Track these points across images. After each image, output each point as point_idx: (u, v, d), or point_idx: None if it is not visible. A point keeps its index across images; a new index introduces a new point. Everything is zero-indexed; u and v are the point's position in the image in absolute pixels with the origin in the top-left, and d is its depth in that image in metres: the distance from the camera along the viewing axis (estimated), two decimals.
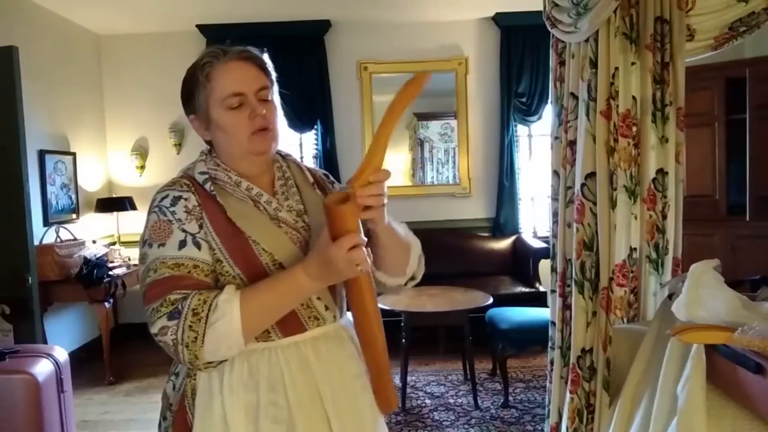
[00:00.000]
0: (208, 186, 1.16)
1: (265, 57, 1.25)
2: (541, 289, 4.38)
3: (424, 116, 5.21)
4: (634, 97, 2.02)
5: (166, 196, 1.15)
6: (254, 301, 1.07)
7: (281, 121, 1.31)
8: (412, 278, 1.35)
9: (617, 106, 2.02)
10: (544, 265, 3.84)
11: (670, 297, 1.59)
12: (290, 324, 1.16)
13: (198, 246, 1.11)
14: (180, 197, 1.14)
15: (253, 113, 1.15)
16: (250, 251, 1.13)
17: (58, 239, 4.18)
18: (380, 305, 1.45)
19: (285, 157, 1.31)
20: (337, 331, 1.22)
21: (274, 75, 1.24)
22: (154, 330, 1.05)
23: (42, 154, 4.10)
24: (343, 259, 1.02)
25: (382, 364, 1.20)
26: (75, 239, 4.26)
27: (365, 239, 1.05)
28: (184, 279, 1.08)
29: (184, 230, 1.11)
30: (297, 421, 1.12)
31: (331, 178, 1.39)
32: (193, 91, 1.19)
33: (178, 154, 5.05)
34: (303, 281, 1.08)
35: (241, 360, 1.13)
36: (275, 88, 1.25)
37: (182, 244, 1.10)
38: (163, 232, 1.11)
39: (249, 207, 1.17)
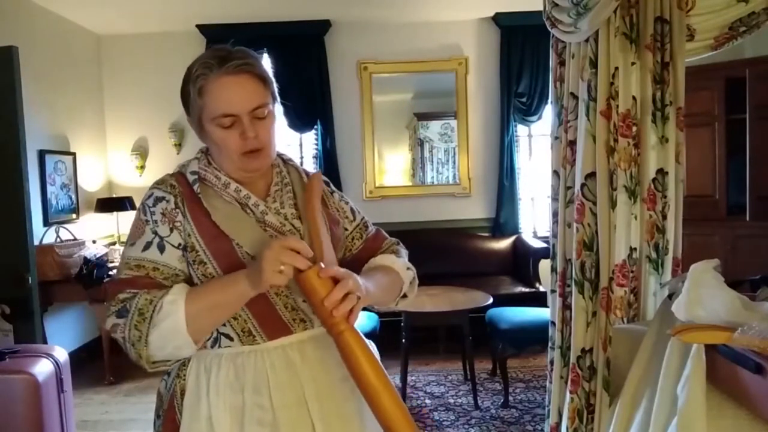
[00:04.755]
0: (196, 187, 1.16)
1: (266, 63, 1.20)
2: (541, 289, 4.38)
3: (424, 116, 5.21)
4: (634, 97, 2.02)
5: (152, 195, 1.16)
6: (200, 302, 1.07)
7: (279, 130, 1.27)
8: (403, 297, 1.35)
9: (617, 106, 2.02)
10: (544, 265, 3.84)
11: (670, 297, 1.59)
12: (275, 327, 1.15)
13: (161, 249, 1.11)
14: (162, 198, 1.15)
15: (244, 135, 1.12)
16: (234, 254, 1.12)
17: (58, 239, 4.18)
18: None
19: (286, 162, 1.30)
20: (325, 335, 1.18)
21: (275, 86, 1.20)
22: (107, 326, 1.08)
23: (42, 154, 4.10)
24: (270, 250, 1.01)
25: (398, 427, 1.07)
26: (75, 239, 4.26)
27: (305, 263, 1.04)
28: (140, 279, 1.09)
29: (155, 232, 1.12)
30: (281, 424, 1.11)
31: (332, 186, 1.37)
32: (186, 100, 1.17)
33: (178, 154, 5.04)
34: (242, 282, 1.07)
35: (227, 362, 1.13)
36: (276, 95, 1.20)
37: (147, 246, 1.12)
38: (137, 231, 1.14)
39: (235, 209, 1.16)
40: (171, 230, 1.13)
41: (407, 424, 1.05)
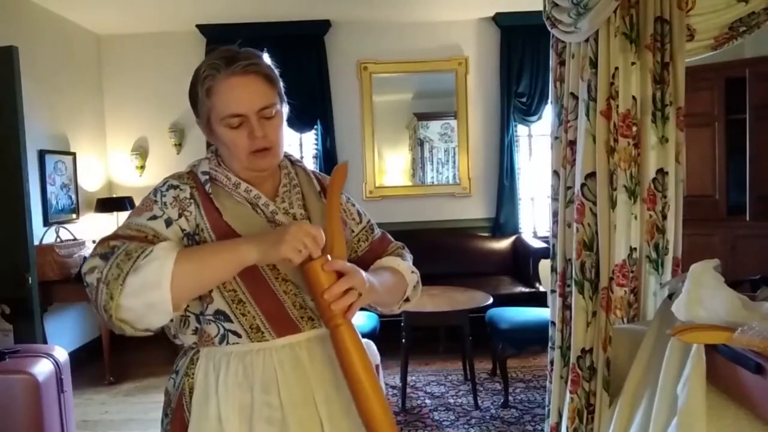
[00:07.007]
0: (207, 187, 1.17)
1: (269, 62, 1.21)
2: (541, 289, 4.38)
3: (424, 116, 5.20)
4: (634, 97, 2.02)
5: (166, 182, 1.17)
6: (193, 256, 1.05)
7: (286, 132, 1.27)
8: (406, 300, 1.36)
9: (617, 106, 2.02)
10: (544, 265, 3.84)
11: (670, 297, 1.59)
12: (284, 324, 1.16)
13: (167, 224, 1.11)
14: (177, 186, 1.16)
15: (252, 135, 1.13)
16: None
17: (58, 239, 4.18)
18: None
19: (294, 163, 1.31)
20: None
21: (281, 85, 1.21)
22: (84, 269, 1.02)
23: (42, 154, 4.10)
24: (296, 228, 1.03)
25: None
26: (75, 239, 4.26)
27: (316, 258, 1.06)
28: (137, 238, 1.06)
29: (163, 210, 1.12)
30: (289, 422, 1.12)
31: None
32: (195, 101, 1.18)
33: (178, 154, 5.04)
34: (243, 248, 1.06)
35: (236, 360, 1.14)
36: (283, 95, 1.22)
37: (153, 218, 1.11)
38: (144, 207, 1.14)
39: (246, 209, 1.17)
40: (179, 215, 1.13)
41: (388, 426, 1.07)
